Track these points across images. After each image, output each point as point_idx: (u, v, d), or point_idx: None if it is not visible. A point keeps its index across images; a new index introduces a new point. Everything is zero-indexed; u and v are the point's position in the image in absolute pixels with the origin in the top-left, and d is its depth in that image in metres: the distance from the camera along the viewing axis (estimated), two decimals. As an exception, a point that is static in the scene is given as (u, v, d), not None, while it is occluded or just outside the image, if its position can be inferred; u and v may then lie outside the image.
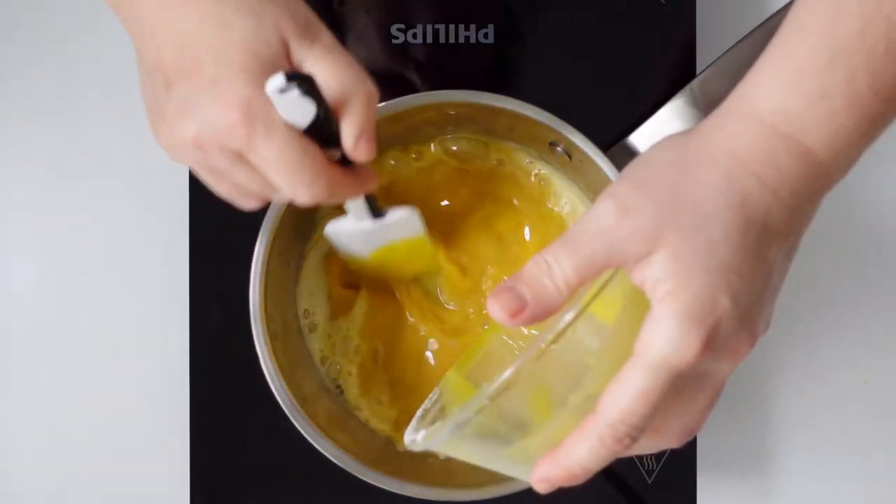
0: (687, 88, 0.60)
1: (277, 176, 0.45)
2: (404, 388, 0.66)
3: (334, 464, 0.59)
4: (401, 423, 0.65)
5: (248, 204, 0.50)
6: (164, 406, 0.70)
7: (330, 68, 0.45)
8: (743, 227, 0.42)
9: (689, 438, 0.45)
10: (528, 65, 0.68)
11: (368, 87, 0.46)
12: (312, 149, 0.45)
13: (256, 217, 0.60)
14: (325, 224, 0.64)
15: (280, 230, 0.60)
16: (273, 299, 0.61)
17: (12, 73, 0.71)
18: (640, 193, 0.42)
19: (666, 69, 0.68)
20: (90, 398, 0.71)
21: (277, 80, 0.42)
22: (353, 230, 0.58)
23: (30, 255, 0.71)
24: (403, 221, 0.57)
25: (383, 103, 0.60)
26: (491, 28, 0.68)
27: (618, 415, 0.41)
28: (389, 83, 0.67)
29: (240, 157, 0.45)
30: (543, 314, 0.43)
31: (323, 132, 0.45)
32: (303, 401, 0.60)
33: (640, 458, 0.67)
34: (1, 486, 0.71)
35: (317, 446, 0.59)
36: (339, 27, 0.68)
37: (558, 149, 0.62)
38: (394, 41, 0.68)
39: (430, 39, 0.68)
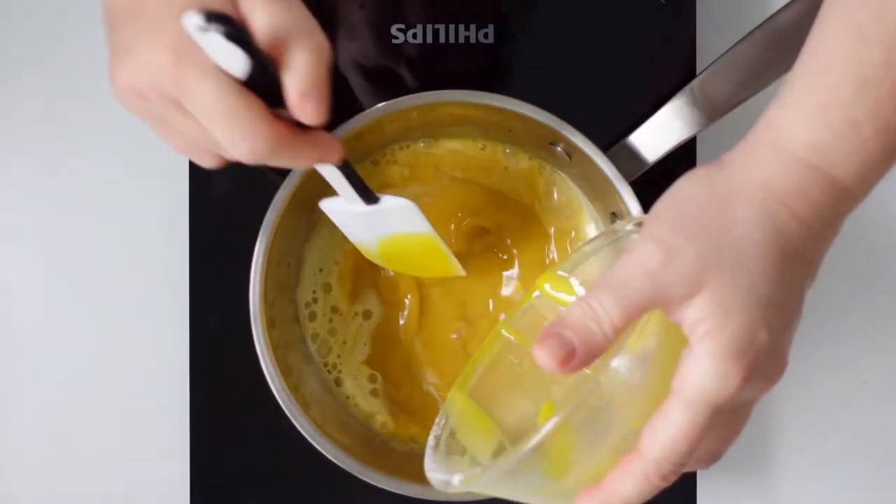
0: (687, 88, 0.60)
1: (213, 125, 0.43)
2: (406, 386, 0.66)
3: (334, 464, 0.59)
4: (402, 422, 0.65)
5: (204, 161, 0.47)
6: (164, 406, 0.70)
7: (275, 16, 0.43)
8: (780, 261, 0.42)
9: (715, 462, 0.46)
10: (528, 65, 0.68)
11: (318, 40, 0.44)
12: (252, 100, 0.43)
13: (256, 217, 0.60)
14: (325, 225, 0.64)
15: (280, 230, 0.60)
16: (273, 299, 0.61)
17: (12, 73, 0.71)
18: (681, 235, 0.42)
19: (666, 69, 0.68)
20: (90, 398, 0.71)
21: (193, 16, 0.39)
22: (346, 211, 0.55)
23: (30, 256, 0.71)
24: (400, 210, 0.54)
25: (382, 104, 0.60)
26: (491, 28, 0.68)
27: (661, 452, 0.41)
28: (389, 83, 0.68)
29: (179, 105, 0.43)
30: (590, 360, 0.42)
31: (264, 87, 0.42)
32: (303, 401, 0.60)
33: (640, 458, 0.67)
34: (1, 485, 0.71)
35: (317, 446, 0.59)
36: (338, 27, 0.68)
37: (558, 149, 0.62)
38: (394, 41, 0.68)
39: (430, 39, 0.68)
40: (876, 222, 0.72)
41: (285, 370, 0.60)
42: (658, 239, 0.43)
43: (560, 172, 0.65)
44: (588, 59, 0.68)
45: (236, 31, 0.39)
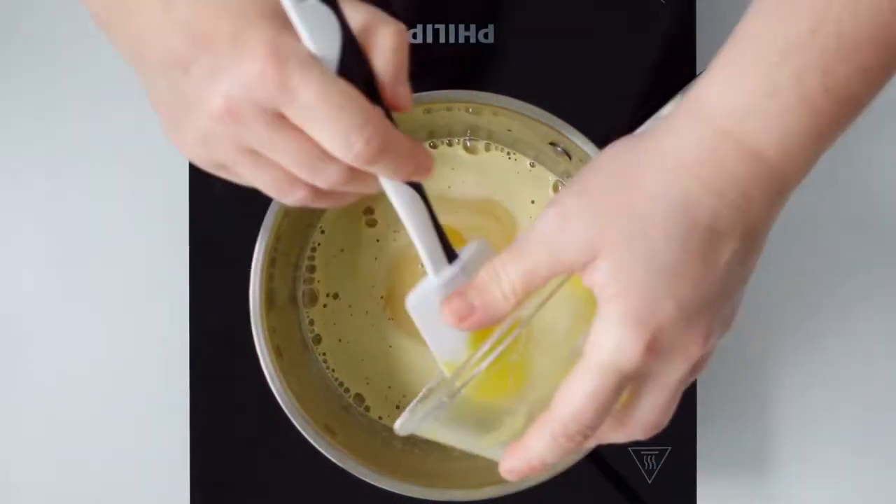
0: (687, 88, 0.60)
1: (324, 122, 0.41)
2: (407, 384, 0.66)
3: (334, 464, 0.59)
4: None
5: (295, 193, 0.45)
6: (164, 406, 0.70)
7: (356, 7, 0.42)
8: (685, 232, 0.42)
9: (656, 432, 0.46)
10: (528, 65, 0.68)
11: (398, 24, 0.43)
12: (354, 90, 0.41)
13: (256, 217, 0.60)
14: (323, 221, 0.64)
15: (280, 230, 0.60)
16: (273, 298, 0.61)
17: (13, 73, 0.71)
18: (580, 200, 0.43)
19: (666, 69, 0.68)
20: (90, 398, 0.71)
21: None
22: (436, 289, 0.47)
23: (30, 256, 0.71)
24: (479, 252, 0.48)
25: None
26: (491, 28, 0.68)
27: (568, 413, 0.43)
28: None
29: (279, 118, 0.41)
30: (490, 320, 0.44)
31: (358, 71, 0.41)
32: (303, 401, 0.60)
33: (639, 457, 0.67)
34: (1, 485, 0.71)
35: (317, 446, 0.59)
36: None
37: (558, 148, 0.62)
38: (394, 41, 0.68)
39: (430, 39, 0.68)
40: (876, 222, 0.72)
41: (285, 370, 0.60)
42: (558, 204, 0.43)
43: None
44: (588, 59, 0.68)
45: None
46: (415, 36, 0.68)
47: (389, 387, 0.66)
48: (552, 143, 0.61)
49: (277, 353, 0.60)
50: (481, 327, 0.44)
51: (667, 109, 0.61)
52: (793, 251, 0.72)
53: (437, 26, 0.68)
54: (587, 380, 0.42)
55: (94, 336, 0.71)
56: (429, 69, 0.68)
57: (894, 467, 0.72)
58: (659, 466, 0.67)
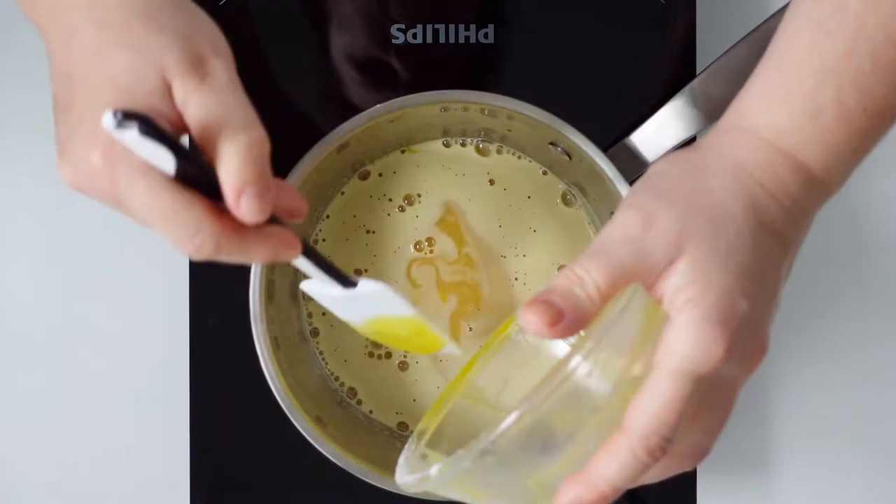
0: (687, 88, 0.60)
1: (154, 226, 0.41)
2: (409, 383, 0.66)
3: (334, 463, 0.59)
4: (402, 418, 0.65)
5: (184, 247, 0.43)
6: (164, 406, 0.70)
7: (206, 107, 0.41)
8: (755, 230, 0.43)
9: (702, 460, 0.45)
10: (528, 65, 0.68)
11: (251, 134, 0.41)
12: (191, 197, 0.40)
13: (256, 217, 0.60)
14: (324, 226, 0.64)
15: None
16: (273, 298, 0.61)
17: (13, 74, 0.71)
18: (661, 202, 0.43)
19: (666, 69, 0.68)
20: (90, 398, 0.71)
21: (108, 116, 0.38)
22: (324, 294, 0.50)
23: (29, 256, 0.71)
24: (377, 296, 0.50)
25: (382, 104, 0.60)
26: (491, 28, 0.68)
27: (648, 425, 0.40)
28: (390, 84, 0.68)
29: (122, 204, 0.42)
30: (578, 325, 0.42)
31: (201, 181, 0.40)
32: (302, 401, 0.60)
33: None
34: (1, 485, 0.71)
35: (317, 445, 0.59)
36: (338, 29, 0.68)
37: (558, 149, 0.62)
38: (394, 41, 0.68)
39: (430, 39, 0.68)
40: (876, 222, 0.72)
41: (285, 370, 0.60)
42: (638, 206, 0.43)
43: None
44: (588, 59, 0.68)
45: (153, 128, 0.38)
46: (415, 36, 0.68)
47: (385, 385, 0.66)
48: (552, 143, 0.61)
49: (277, 352, 0.60)
50: (570, 334, 0.42)
51: (667, 110, 0.61)
52: (793, 251, 0.72)
53: (437, 26, 0.68)
54: (664, 387, 0.40)
55: (93, 336, 0.71)
56: (429, 69, 0.68)
57: (894, 468, 0.72)
58: (659, 466, 0.67)
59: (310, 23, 0.67)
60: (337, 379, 0.66)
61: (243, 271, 0.60)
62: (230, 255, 0.42)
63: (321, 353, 0.66)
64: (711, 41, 0.67)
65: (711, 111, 0.60)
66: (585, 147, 0.59)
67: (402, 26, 0.68)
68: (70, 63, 0.42)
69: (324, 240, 0.66)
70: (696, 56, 0.68)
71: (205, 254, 0.41)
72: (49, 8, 0.44)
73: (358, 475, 0.59)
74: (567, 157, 0.62)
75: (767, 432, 0.71)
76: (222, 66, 0.42)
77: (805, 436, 0.71)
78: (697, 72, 0.66)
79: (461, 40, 0.68)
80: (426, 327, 0.54)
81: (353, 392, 0.66)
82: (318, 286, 0.50)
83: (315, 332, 0.66)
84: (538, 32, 0.68)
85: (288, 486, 0.67)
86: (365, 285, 0.49)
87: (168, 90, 0.41)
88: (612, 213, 0.62)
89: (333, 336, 0.66)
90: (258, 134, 0.41)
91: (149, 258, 0.70)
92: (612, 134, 0.63)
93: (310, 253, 0.47)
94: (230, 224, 0.41)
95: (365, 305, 0.51)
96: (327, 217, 0.66)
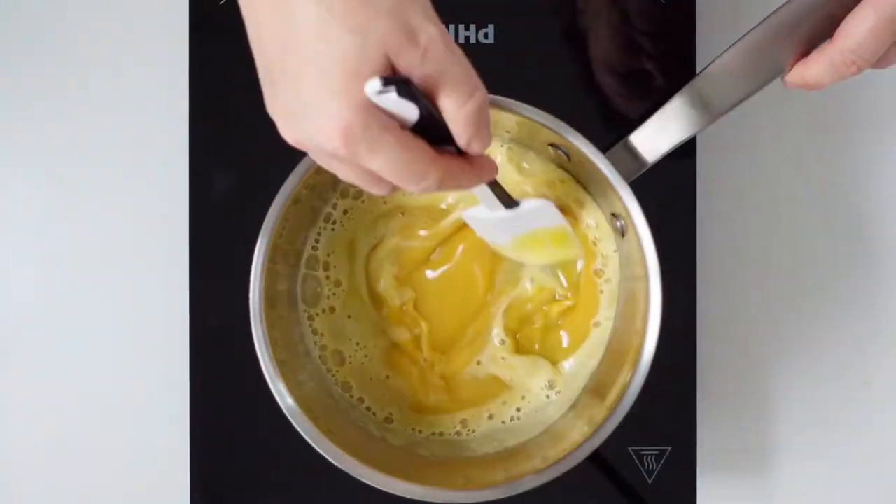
0: (687, 88, 0.60)
1: (388, 178, 0.46)
2: (410, 382, 0.66)
3: (333, 464, 0.59)
4: (406, 416, 0.66)
5: (374, 189, 0.49)
6: (165, 406, 0.70)
7: (434, 76, 0.45)
8: None
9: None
10: (527, 65, 0.68)
11: (471, 85, 0.47)
12: (419, 147, 0.46)
13: (256, 217, 0.60)
14: (326, 230, 0.64)
15: (280, 230, 0.60)
16: (273, 299, 0.61)
17: (13, 76, 0.71)
18: None
19: (666, 69, 0.68)
20: (90, 398, 0.71)
21: (373, 84, 0.43)
22: (489, 218, 0.59)
23: (30, 256, 0.71)
24: (539, 211, 0.58)
25: None
26: (491, 28, 0.68)
27: (850, 45, 0.53)
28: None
29: (344, 159, 0.46)
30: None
31: (432, 130, 0.46)
32: (302, 401, 0.60)
33: (640, 458, 0.67)
34: (1, 485, 0.71)
35: (315, 446, 0.59)
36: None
37: (559, 150, 0.62)
38: (394, 41, 0.68)
39: (430, 39, 0.68)
40: (876, 223, 0.72)
41: (285, 370, 0.60)
42: None
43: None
44: (588, 60, 0.68)
45: (408, 90, 0.44)
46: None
47: (385, 383, 0.66)
48: (552, 145, 0.61)
49: (277, 352, 0.60)
50: None
51: (667, 110, 0.61)
52: (792, 253, 0.72)
53: (437, 26, 0.68)
54: (872, 16, 0.52)
55: (93, 336, 0.71)
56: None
57: (894, 467, 0.72)
58: (659, 467, 0.67)
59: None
60: (336, 380, 0.66)
61: (243, 271, 0.60)
62: (446, 188, 0.49)
63: (321, 354, 0.66)
64: (711, 41, 0.67)
65: (711, 111, 0.60)
66: (585, 148, 0.59)
67: (403, 26, 0.68)
68: (282, 30, 0.45)
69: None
70: (696, 56, 0.68)
71: (428, 190, 0.48)
72: None
73: (357, 476, 0.59)
74: (566, 158, 0.62)
75: (767, 432, 0.71)
76: (437, 35, 0.45)
77: (805, 436, 0.71)
78: (697, 72, 0.66)
79: (461, 40, 0.68)
80: (568, 233, 0.61)
81: (350, 391, 0.66)
82: (480, 211, 0.59)
83: (315, 332, 0.66)
84: (538, 33, 0.68)
85: (288, 486, 0.67)
86: (528, 203, 0.58)
87: (391, 66, 0.45)
88: (612, 214, 0.62)
89: (334, 337, 0.66)
90: (476, 84, 0.47)
91: (149, 258, 0.70)
92: (613, 134, 0.63)
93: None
94: (449, 161, 0.48)
95: (523, 223, 0.59)
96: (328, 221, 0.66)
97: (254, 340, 0.60)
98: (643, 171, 0.60)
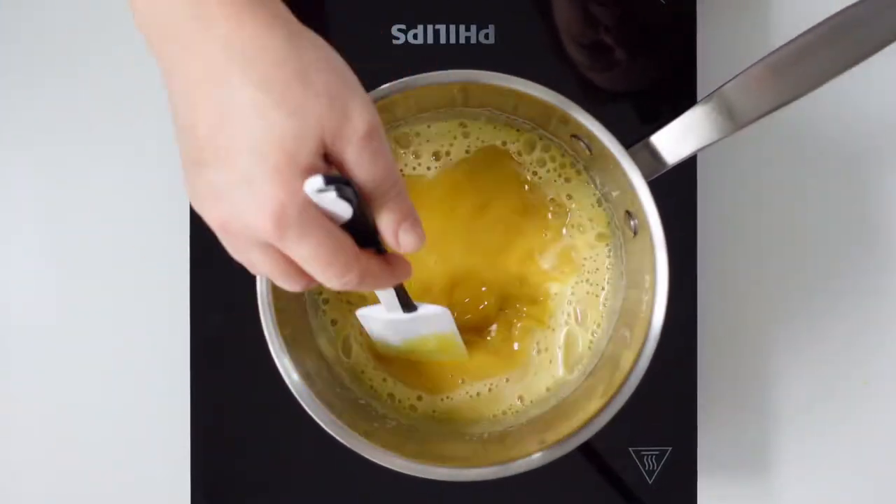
0: (714, 95, 0.59)
1: (308, 268, 0.46)
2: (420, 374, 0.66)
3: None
4: (409, 403, 0.65)
5: (289, 284, 0.49)
6: (165, 406, 0.69)
7: (366, 167, 0.46)
8: None
9: None
10: (528, 65, 0.68)
11: (400, 185, 0.48)
12: (345, 243, 0.46)
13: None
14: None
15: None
16: (279, 299, 0.61)
17: (14, 74, 0.71)
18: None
19: (666, 69, 0.68)
20: (90, 398, 0.71)
21: (315, 181, 0.43)
22: (383, 319, 0.59)
23: (31, 256, 0.71)
24: (435, 318, 0.59)
25: (386, 85, 0.59)
26: (491, 28, 0.68)
27: None
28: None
29: (267, 246, 0.46)
30: None
31: (359, 229, 0.47)
32: (303, 401, 0.60)
33: (640, 458, 0.67)
34: (1, 485, 0.71)
35: (337, 437, 0.57)
36: (340, 29, 0.68)
37: (582, 142, 0.61)
38: (394, 41, 0.68)
39: (430, 40, 0.68)
40: (876, 223, 0.72)
41: (294, 355, 0.59)
42: None
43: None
44: (587, 60, 0.68)
45: (348, 191, 0.44)
46: (415, 36, 0.68)
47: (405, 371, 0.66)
48: (574, 136, 0.61)
49: (282, 349, 0.59)
50: None
51: (693, 113, 0.60)
52: (792, 254, 0.72)
53: (437, 27, 0.68)
54: None
55: (93, 335, 0.71)
56: (430, 69, 0.68)
57: (894, 467, 0.72)
58: (659, 467, 0.67)
59: (309, 23, 0.67)
60: (339, 380, 0.66)
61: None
62: (364, 287, 0.48)
63: (333, 334, 0.65)
64: (711, 41, 0.67)
65: (739, 118, 0.59)
66: (607, 142, 0.58)
67: (403, 26, 0.68)
68: (217, 109, 0.44)
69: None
70: (696, 56, 0.68)
71: (347, 287, 0.47)
72: (192, 53, 0.45)
73: (379, 462, 0.57)
74: (588, 151, 0.61)
75: (767, 432, 0.71)
76: (375, 124, 0.46)
77: (805, 436, 0.71)
78: (697, 72, 0.66)
79: (461, 40, 0.68)
80: (455, 341, 0.62)
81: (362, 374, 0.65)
82: (377, 311, 0.58)
83: (334, 323, 0.65)
84: (538, 33, 0.68)
85: (288, 486, 0.67)
86: (426, 308, 0.58)
87: (323, 149, 0.45)
88: (627, 212, 0.62)
89: (343, 319, 0.66)
90: (403, 183, 0.48)
91: (149, 258, 0.70)
92: (612, 134, 0.63)
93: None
94: (369, 260, 0.48)
95: (415, 327, 0.59)
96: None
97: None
98: (662, 171, 0.59)
